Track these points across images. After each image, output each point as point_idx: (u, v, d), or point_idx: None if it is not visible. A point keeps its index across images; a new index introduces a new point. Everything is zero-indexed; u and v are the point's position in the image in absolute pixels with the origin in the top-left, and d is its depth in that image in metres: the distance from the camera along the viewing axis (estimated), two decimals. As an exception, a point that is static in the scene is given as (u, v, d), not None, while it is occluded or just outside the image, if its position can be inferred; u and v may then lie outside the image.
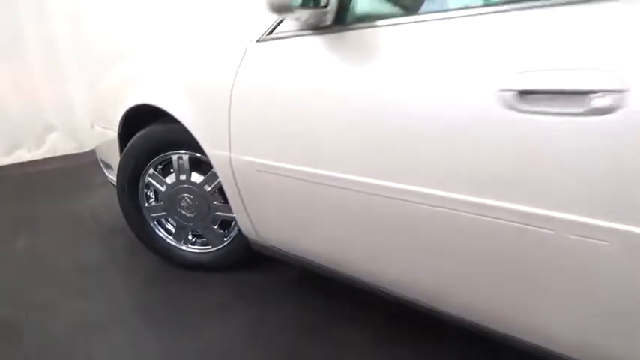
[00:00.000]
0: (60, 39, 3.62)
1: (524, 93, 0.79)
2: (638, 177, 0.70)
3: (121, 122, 1.78)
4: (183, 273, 1.76)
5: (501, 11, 0.86)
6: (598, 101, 0.71)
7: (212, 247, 1.73)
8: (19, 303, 1.63)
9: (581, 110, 0.73)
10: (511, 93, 0.80)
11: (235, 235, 1.65)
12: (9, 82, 3.52)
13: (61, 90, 3.65)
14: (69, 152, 3.82)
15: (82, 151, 3.82)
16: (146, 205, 1.75)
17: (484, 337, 1.05)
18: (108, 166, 2.09)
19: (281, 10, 1.00)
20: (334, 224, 1.20)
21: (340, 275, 1.31)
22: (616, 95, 0.70)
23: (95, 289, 1.71)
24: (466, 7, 0.92)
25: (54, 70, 3.62)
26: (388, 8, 1.13)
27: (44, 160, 3.75)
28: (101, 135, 2.00)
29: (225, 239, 1.70)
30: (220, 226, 1.69)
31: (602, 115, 0.71)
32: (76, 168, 3.42)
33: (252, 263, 1.74)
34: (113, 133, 1.85)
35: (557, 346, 0.91)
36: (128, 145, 1.71)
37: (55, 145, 3.81)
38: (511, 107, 0.80)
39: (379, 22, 1.04)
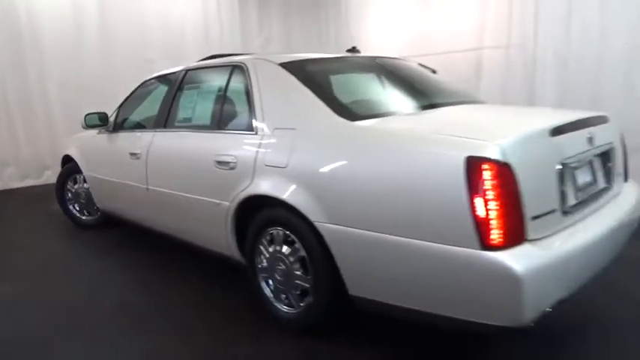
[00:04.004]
0: (55, 105, 5.99)
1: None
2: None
3: (61, 162, 4.06)
4: (79, 228, 3.97)
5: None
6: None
7: (93, 217, 3.94)
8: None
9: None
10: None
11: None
12: (23, 136, 5.87)
13: (54, 142, 5.94)
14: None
15: (65, 180, 6.13)
16: (66, 198, 3.98)
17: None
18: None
19: (84, 128, 3.28)
20: (122, 197, 3.37)
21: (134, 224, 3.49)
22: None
23: (43, 235, 3.92)
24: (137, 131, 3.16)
25: (50, 128, 5.99)
26: (133, 125, 3.38)
27: (42, 185, 6.05)
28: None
29: (98, 212, 3.89)
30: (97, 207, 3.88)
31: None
32: (58, 189, 5.72)
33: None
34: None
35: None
36: (61, 171, 3.98)
37: (49, 177, 6.09)
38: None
39: (129, 131, 3.28)
